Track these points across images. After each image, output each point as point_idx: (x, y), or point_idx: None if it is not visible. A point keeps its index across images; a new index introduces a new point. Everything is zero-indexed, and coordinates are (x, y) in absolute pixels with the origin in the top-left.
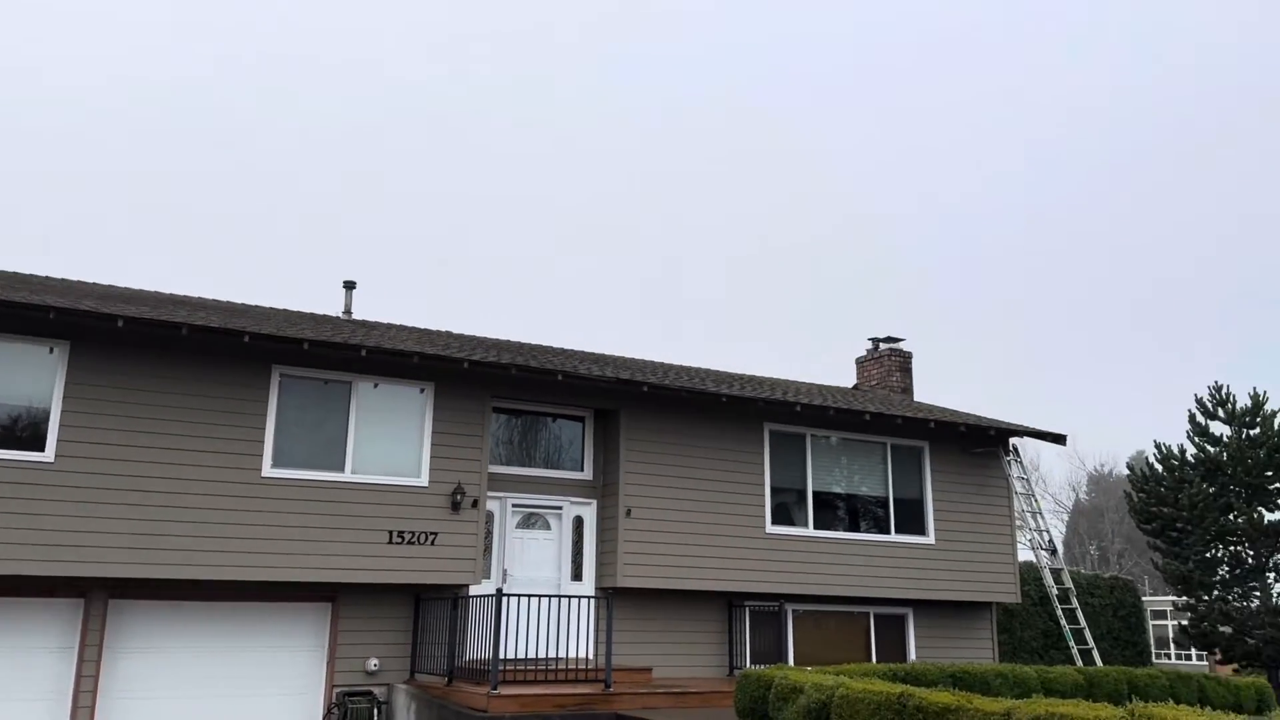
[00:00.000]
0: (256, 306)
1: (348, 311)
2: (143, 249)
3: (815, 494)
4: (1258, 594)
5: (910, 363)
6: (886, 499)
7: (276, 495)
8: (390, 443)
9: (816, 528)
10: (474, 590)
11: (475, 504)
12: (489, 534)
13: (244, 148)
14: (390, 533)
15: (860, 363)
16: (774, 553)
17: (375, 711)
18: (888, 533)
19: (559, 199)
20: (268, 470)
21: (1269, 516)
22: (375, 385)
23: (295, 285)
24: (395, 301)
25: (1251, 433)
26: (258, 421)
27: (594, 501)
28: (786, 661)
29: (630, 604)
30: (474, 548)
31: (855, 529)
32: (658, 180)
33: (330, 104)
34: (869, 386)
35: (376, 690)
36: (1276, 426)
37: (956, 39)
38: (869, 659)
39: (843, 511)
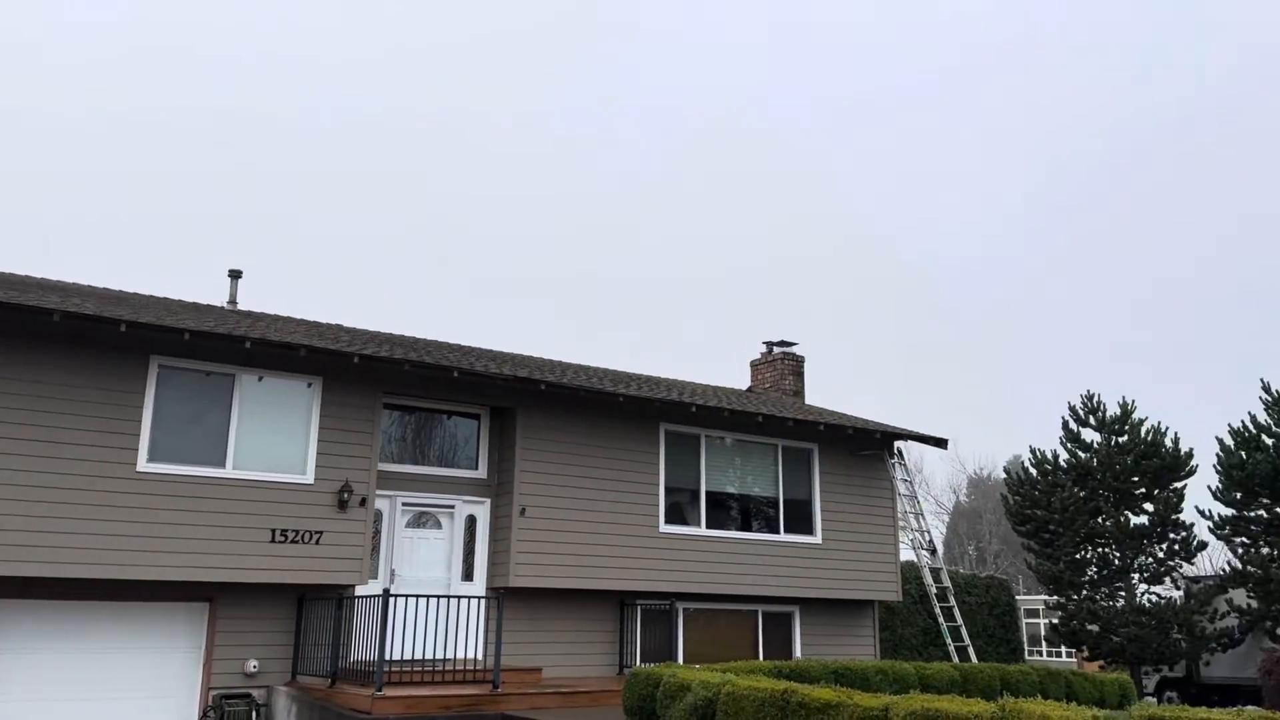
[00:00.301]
0: (136, 294)
1: (233, 302)
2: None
3: (708, 494)
4: (1123, 594)
5: (803, 366)
6: (777, 499)
7: (152, 491)
8: (275, 438)
9: (709, 527)
10: (360, 590)
11: (363, 502)
12: (377, 533)
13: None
14: (273, 531)
15: (755, 365)
16: (667, 552)
17: (254, 714)
18: (777, 532)
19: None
20: (143, 465)
21: (1134, 520)
22: (260, 378)
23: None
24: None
25: (1120, 440)
26: (134, 414)
27: (488, 500)
28: (676, 660)
29: (522, 604)
30: (361, 547)
31: (746, 529)
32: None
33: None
34: (763, 389)
35: (256, 693)
36: (1143, 434)
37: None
38: (757, 656)
39: (735, 511)
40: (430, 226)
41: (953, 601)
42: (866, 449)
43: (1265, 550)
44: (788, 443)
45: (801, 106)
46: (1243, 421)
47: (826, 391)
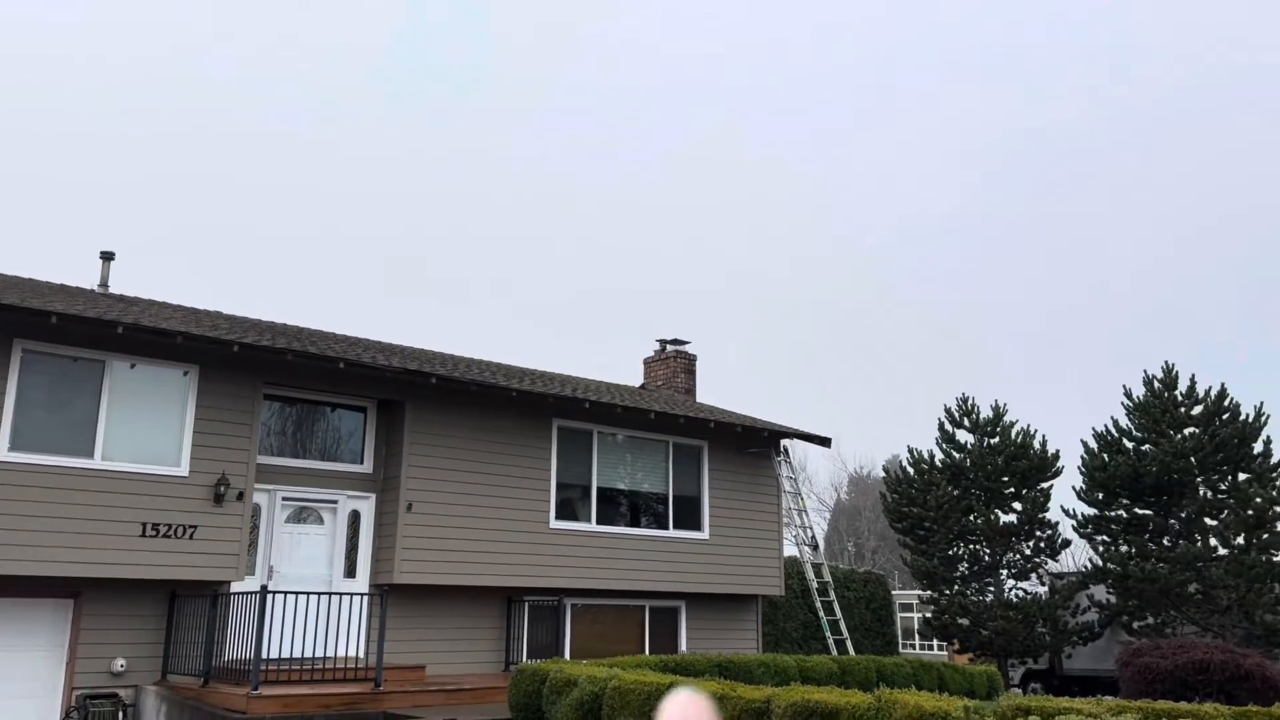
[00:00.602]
0: (1, 274)
1: (104, 285)
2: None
3: (600, 490)
4: (992, 589)
5: (694, 365)
6: (667, 496)
7: (14, 482)
8: (148, 428)
9: (600, 523)
10: (237, 587)
11: (241, 496)
12: (255, 528)
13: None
14: (144, 525)
15: (648, 363)
16: (557, 548)
17: (120, 715)
18: (667, 528)
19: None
20: (4, 454)
21: (1004, 518)
22: (133, 366)
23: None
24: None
25: (992, 441)
26: None
27: (373, 495)
28: (563, 656)
29: (406, 600)
30: (238, 542)
31: (636, 524)
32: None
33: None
34: (655, 386)
35: (123, 692)
36: (1013, 436)
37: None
38: (643, 651)
39: (625, 507)
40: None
41: (833, 596)
42: (754, 447)
43: (1124, 548)
44: (679, 440)
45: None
46: (1105, 426)
47: (717, 390)
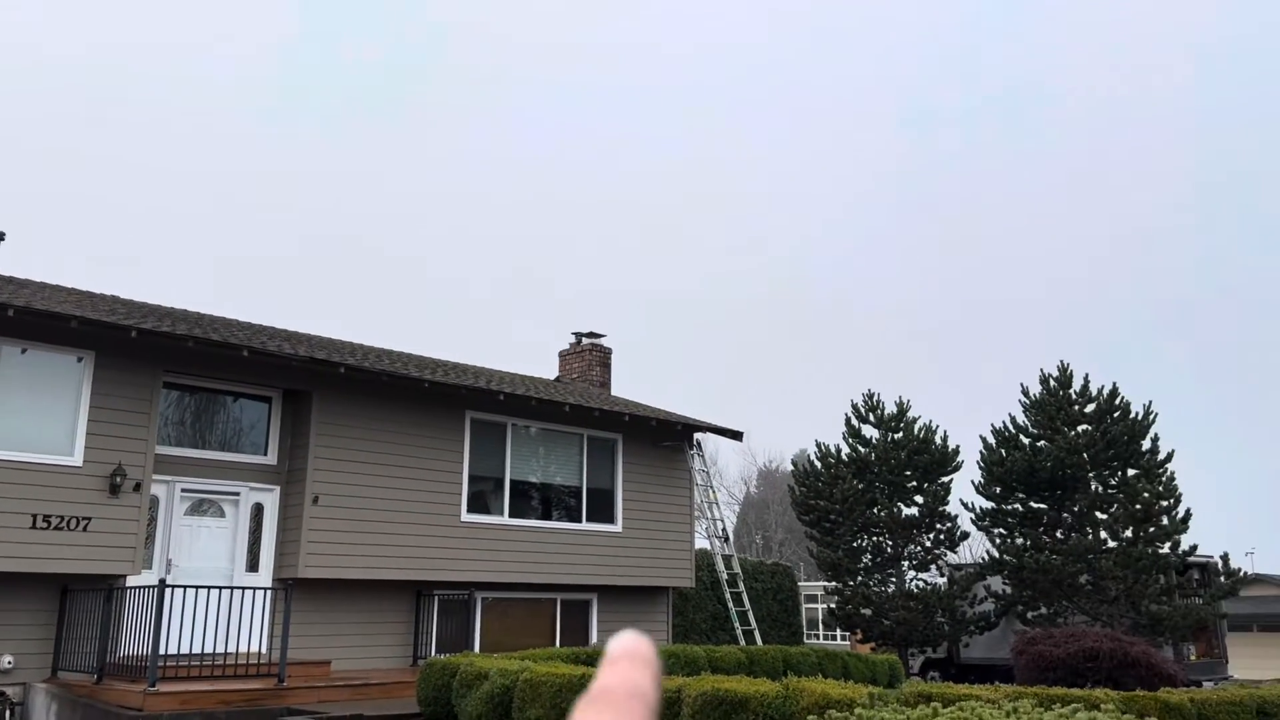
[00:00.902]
0: None
1: None
2: None
3: (513, 483)
4: (894, 580)
5: (610, 358)
6: (580, 489)
7: None
8: (38, 416)
9: (512, 516)
10: (133, 581)
11: (138, 487)
12: (153, 520)
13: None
14: (34, 516)
15: (563, 356)
16: (468, 541)
17: (7, 713)
18: (580, 521)
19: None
20: None
21: (906, 511)
22: (23, 350)
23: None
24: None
25: (895, 436)
26: None
27: (277, 488)
28: (474, 649)
29: (312, 595)
30: (134, 535)
31: (549, 517)
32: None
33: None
34: (570, 379)
35: (10, 690)
36: (916, 431)
37: None
38: (554, 643)
39: (538, 500)
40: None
41: (742, 587)
42: (668, 440)
43: (1019, 540)
44: (593, 433)
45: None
46: (1004, 422)
47: (632, 384)
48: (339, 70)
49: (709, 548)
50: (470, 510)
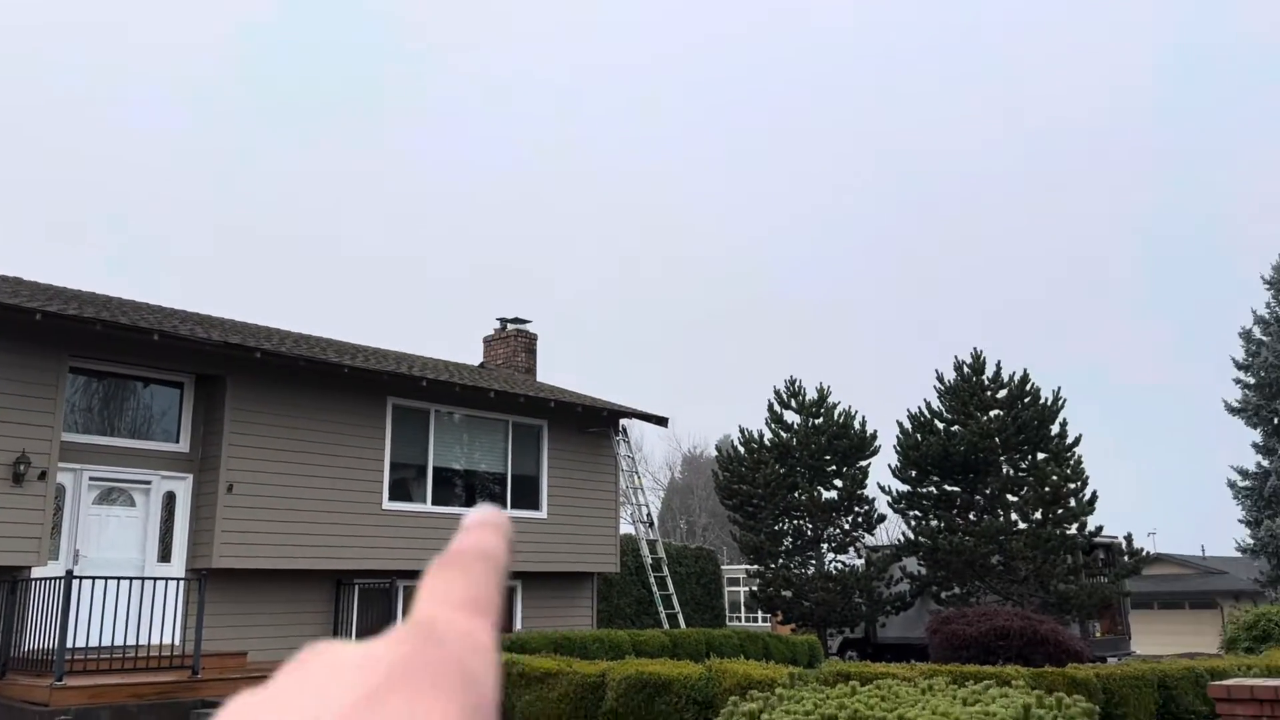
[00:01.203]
0: None
1: None
2: None
3: (436, 470)
4: (814, 562)
5: (535, 344)
6: (505, 475)
7: None
8: None
9: (435, 503)
10: (38, 573)
11: (43, 475)
12: (59, 510)
13: None
14: None
15: (488, 341)
16: (390, 529)
17: None
18: (504, 508)
19: None
20: None
21: (826, 495)
22: None
23: None
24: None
25: (816, 421)
26: None
27: (190, 476)
28: None
29: (227, 585)
30: (40, 525)
31: (473, 504)
32: None
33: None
34: (495, 365)
35: None
36: (836, 417)
37: None
38: None
39: (461, 487)
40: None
41: (666, 572)
42: (594, 427)
43: (934, 522)
44: (518, 419)
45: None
46: (919, 408)
47: (556, 371)
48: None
49: (634, 533)
50: (392, 498)
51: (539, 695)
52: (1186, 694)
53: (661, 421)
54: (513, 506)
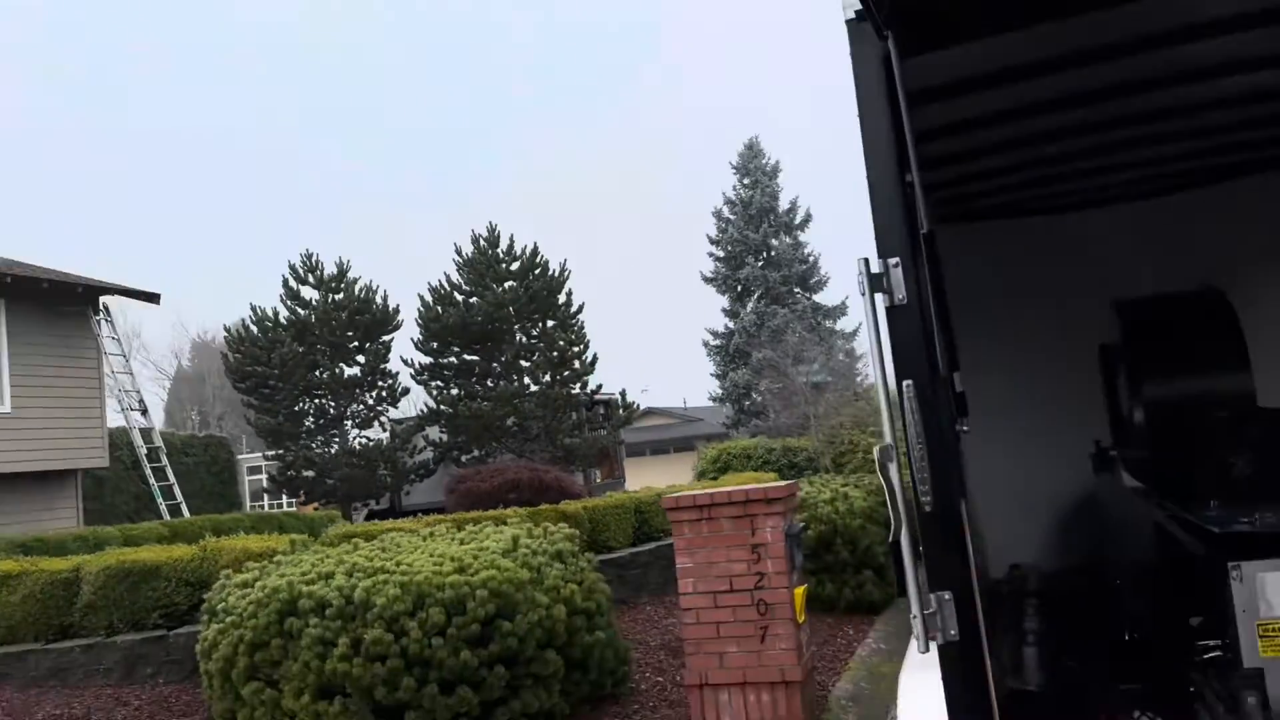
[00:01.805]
0: None
1: None
2: None
3: None
4: (338, 440)
5: None
6: None
7: None
8: None
9: None
10: None
11: None
12: None
13: None
14: None
15: None
16: None
17: None
18: None
19: None
20: None
21: (349, 372)
22: None
23: None
24: None
25: (336, 297)
26: None
27: None
28: None
29: None
30: None
31: None
32: None
33: None
34: None
35: None
36: (357, 292)
37: None
38: None
39: None
40: None
41: (165, 462)
42: (69, 305)
43: (454, 391)
44: None
45: None
46: (440, 281)
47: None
48: None
49: (126, 423)
50: None
51: None
52: (657, 516)
53: (152, 298)
54: None
